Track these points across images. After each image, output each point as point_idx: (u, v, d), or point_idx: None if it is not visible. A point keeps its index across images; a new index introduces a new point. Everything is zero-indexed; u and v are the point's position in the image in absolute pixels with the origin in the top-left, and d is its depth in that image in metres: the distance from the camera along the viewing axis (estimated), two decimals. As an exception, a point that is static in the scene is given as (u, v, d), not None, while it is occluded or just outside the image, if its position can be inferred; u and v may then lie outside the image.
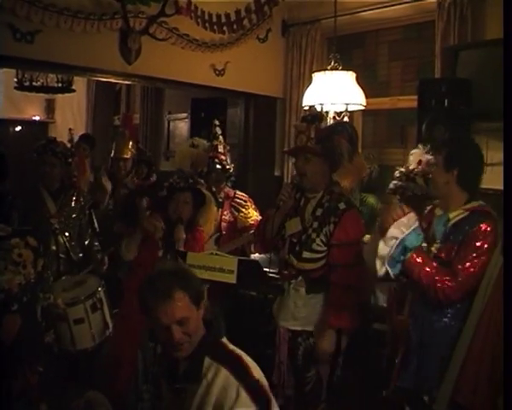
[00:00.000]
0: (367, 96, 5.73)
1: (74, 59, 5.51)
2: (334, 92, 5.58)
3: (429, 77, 5.76)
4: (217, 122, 5.89)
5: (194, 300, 2.52)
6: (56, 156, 4.98)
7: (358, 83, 5.72)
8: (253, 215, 5.67)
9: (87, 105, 10.71)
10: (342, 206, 4.09)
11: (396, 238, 3.58)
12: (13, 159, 5.75)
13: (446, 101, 4.94)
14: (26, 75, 9.24)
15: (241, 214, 5.69)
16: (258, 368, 2.54)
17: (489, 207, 3.66)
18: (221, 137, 5.83)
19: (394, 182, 4.54)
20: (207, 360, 2.50)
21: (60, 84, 9.46)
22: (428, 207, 3.94)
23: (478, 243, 3.47)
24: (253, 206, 5.80)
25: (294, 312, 4.18)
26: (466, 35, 5.45)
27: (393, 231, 3.60)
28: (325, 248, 4.11)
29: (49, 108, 11.60)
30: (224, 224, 5.68)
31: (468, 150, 3.74)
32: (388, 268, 3.59)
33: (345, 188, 4.38)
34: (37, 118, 11.51)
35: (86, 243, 5.15)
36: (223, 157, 5.73)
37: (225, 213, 5.71)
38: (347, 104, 5.61)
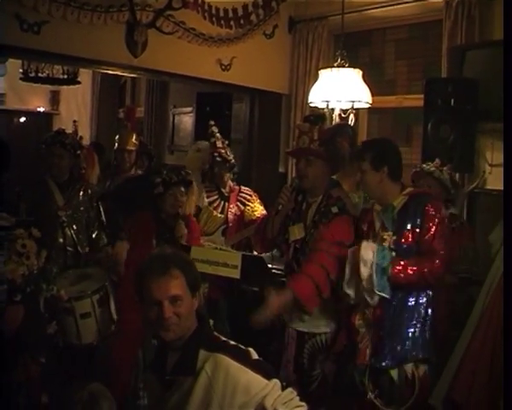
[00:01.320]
0: (373, 94, 5.72)
1: (80, 51, 5.50)
2: (341, 90, 5.57)
3: (436, 76, 5.75)
4: (212, 122, 5.90)
5: (190, 284, 2.53)
6: (65, 148, 4.96)
7: (365, 81, 5.70)
8: (259, 209, 5.78)
9: (92, 97, 10.69)
10: (335, 210, 4.09)
11: (370, 261, 3.66)
12: (17, 149, 5.74)
13: (452, 100, 4.94)
14: (31, 66, 9.22)
15: (248, 208, 5.79)
16: (255, 353, 2.52)
17: (421, 187, 4.18)
18: (218, 134, 5.84)
19: None
20: (203, 353, 2.47)
21: (65, 76, 9.44)
22: (360, 209, 4.11)
23: (435, 217, 3.71)
24: (258, 200, 5.89)
25: (300, 315, 4.16)
26: (473, 35, 5.43)
27: (365, 254, 3.67)
28: None
29: (54, 99, 11.60)
30: (230, 216, 5.76)
31: (388, 146, 3.99)
32: (380, 294, 3.65)
33: (345, 190, 4.38)
34: (41, 109, 11.51)
35: (93, 236, 5.13)
36: (222, 150, 5.75)
37: (232, 206, 5.78)
38: (353, 102, 5.60)
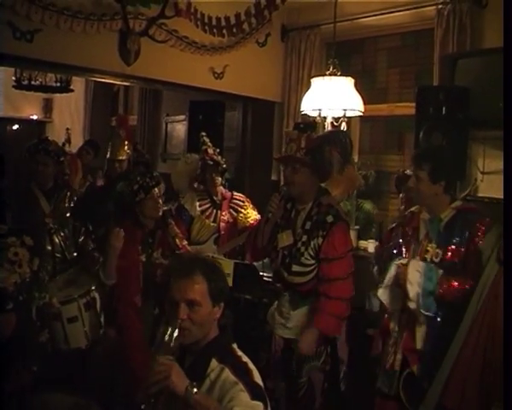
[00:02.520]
0: (365, 103, 5.74)
1: (73, 59, 5.51)
2: (333, 98, 5.59)
3: (427, 84, 5.77)
4: (203, 133, 5.90)
5: (212, 293, 2.57)
6: (49, 155, 4.97)
7: (357, 89, 5.73)
8: (253, 215, 5.77)
9: (85, 105, 10.71)
10: (330, 219, 4.11)
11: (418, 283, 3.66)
12: (9, 158, 5.73)
13: (444, 108, 4.95)
14: (24, 74, 9.26)
15: (241, 215, 5.78)
16: (259, 377, 2.54)
17: (470, 204, 4.08)
18: (208, 141, 5.84)
19: None
20: (214, 362, 2.52)
21: (58, 84, 9.48)
22: (407, 213, 4.08)
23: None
24: (251, 205, 5.88)
25: (286, 322, 4.22)
26: (465, 43, 5.45)
27: (412, 277, 3.67)
28: (313, 262, 4.14)
29: (47, 107, 11.62)
30: (222, 224, 5.74)
31: (451, 160, 3.94)
32: (426, 313, 3.67)
33: (335, 198, 4.41)
34: (34, 117, 11.53)
35: (80, 241, 5.13)
36: (213, 156, 5.74)
37: (224, 213, 5.76)
38: (345, 110, 5.62)
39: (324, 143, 4.36)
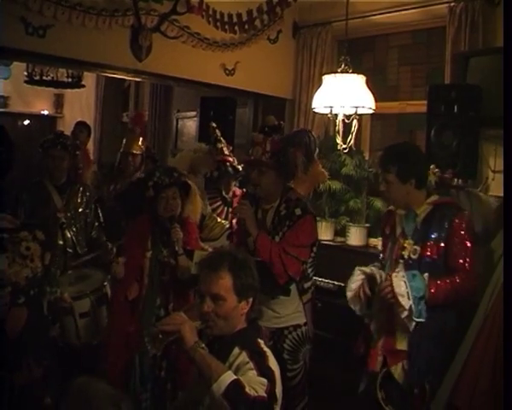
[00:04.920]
0: (376, 100, 5.73)
1: (85, 55, 5.52)
2: (344, 95, 5.58)
3: (439, 82, 5.75)
4: (214, 124, 5.91)
5: (238, 289, 2.64)
6: (66, 149, 5.01)
7: (368, 86, 5.72)
8: None
9: (96, 101, 10.71)
10: (298, 212, 4.18)
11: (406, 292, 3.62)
12: (20, 152, 5.75)
13: (456, 107, 4.93)
14: (36, 69, 9.28)
15: None
16: (276, 364, 2.62)
17: (447, 197, 4.03)
18: (222, 138, 5.85)
19: None
20: (236, 349, 2.59)
21: (70, 80, 9.50)
22: (384, 212, 4.11)
23: (463, 232, 3.66)
24: None
25: (274, 314, 4.24)
26: (477, 41, 5.44)
27: (399, 289, 3.62)
28: None
29: (58, 102, 11.64)
30: (234, 221, 5.71)
31: (416, 157, 3.90)
32: (418, 320, 3.63)
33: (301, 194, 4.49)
34: (45, 112, 11.54)
35: (93, 236, 5.15)
36: (230, 159, 5.76)
37: None
38: (356, 107, 5.61)
39: (288, 145, 4.40)
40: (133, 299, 4.32)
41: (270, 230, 4.22)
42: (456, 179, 4.95)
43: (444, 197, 3.98)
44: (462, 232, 3.66)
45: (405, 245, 3.77)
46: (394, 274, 3.66)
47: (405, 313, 3.59)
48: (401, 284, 3.60)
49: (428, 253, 3.69)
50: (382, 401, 3.78)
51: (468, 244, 3.66)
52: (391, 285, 3.62)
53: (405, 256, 3.77)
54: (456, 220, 3.68)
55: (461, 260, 3.63)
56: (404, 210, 3.88)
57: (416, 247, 3.73)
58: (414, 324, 3.63)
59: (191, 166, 5.96)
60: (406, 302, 3.58)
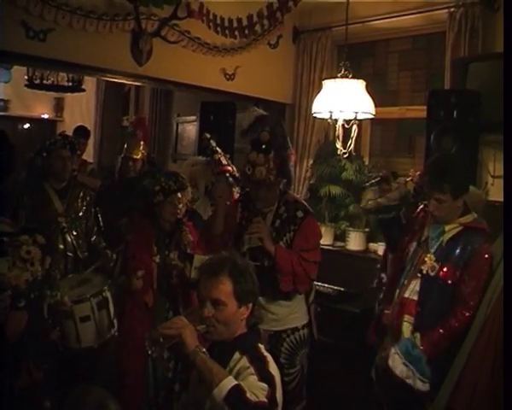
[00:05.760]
0: (376, 105, 5.73)
1: (86, 59, 5.54)
2: (344, 100, 5.58)
3: (439, 88, 5.77)
4: (208, 135, 5.89)
5: (238, 294, 2.64)
6: (74, 151, 5.07)
7: (368, 91, 5.72)
8: None
9: (96, 104, 10.74)
10: (300, 214, 4.22)
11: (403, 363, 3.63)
12: (20, 156, 5.74)
13: (455, 112, 4.96)
14: (36, 73, 9.29)
15: None
16: (276, 369, 2.62)
17: (482, 222, 3.78)
18: (218, 148, 5.84)
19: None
20: (237, 354, 2.60)
21: (70, 84, 9.51)
22: (420, 207, 4.03)
23: (484, 266, 3.58)
24: None
25: (272, 316, 4.23)
26: (476, 47, 5.46)
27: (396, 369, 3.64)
28: None
29: (58, 106, 11.66)
30: None
31: (464, 169, 3.88)
32: (423, 379, 3.62)
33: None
34: (45, 116, 11.56)
35: (92, 240, 5.16)
36: (230, 168, 5.74)
37: None
38: (356, 112, 5.62)
39: (283, 151, 4.31)
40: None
41: (272, 233, 4.21)
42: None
43: (476, 221, 3.76)
44: (484, 266, 3.58)
45: (426, 260, 3.71)
46: (390, 360, 3.66)
47: (410, 381, 3.60)
48: (395, 358, 3.63)
49: (444, 275, 3.63)
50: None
51: (484, 280, 3.58)
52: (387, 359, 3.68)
53: (424, 271, 3.72)
54: (482, 251, 3.59)
55: (470, 294, 3.56)
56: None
57: (435, 264, 3.66)
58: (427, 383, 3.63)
59: (190, 180, 5.98)
60: (403, 372, 3.60)
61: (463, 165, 3.91)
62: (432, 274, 3.67)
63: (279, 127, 4.50)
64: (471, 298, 3.57)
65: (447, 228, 3.70)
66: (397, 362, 3.63)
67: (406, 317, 3.75)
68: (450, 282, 3.63)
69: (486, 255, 3.60)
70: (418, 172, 4.49)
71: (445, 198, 3.63)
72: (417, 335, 3.63)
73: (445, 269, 3.64)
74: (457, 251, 3.63)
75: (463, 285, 3.59)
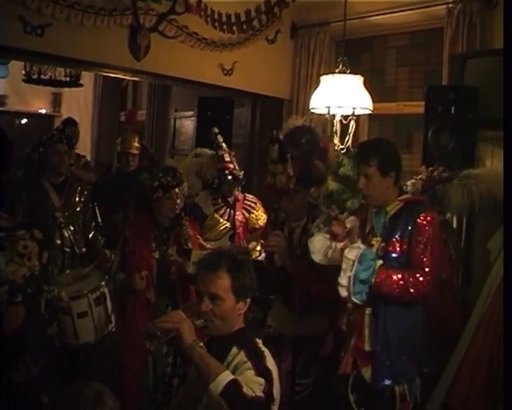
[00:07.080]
0: (374, 101, 5.73)
1: (83, 54, 5.52)
2: (342, 96, 5.58)
3: (437, 84, 5.77)
4: (216, 130, 5.91)
5: (236, 290, 2.66)
6: (70, 144, 5.08)
7: (366, 87, 5.72)
8: (262, 218, 5.90)
9: (94, 100, 10.73)
10: None
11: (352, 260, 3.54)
12: (17, 151, 5.74)
13: (453, 108, 4.95)
14: (34, 68, 9.28)
15: (252, 216, 5.92)
16: (273, 364, 2.63)
17: (418, 195, 3.89)
18: (224, 144, 5.85)
19: None
20: (234, 349, 2.62)
21: (67, 79, 9.49)
22: (357, 206, 4.01)
23: (427, 230, 3.53)
24: (262, 208, 5.97)
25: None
26: (474, 43, 5.45)
27: (349, 254, 3.56)
28: None
29: (56, 101, 11.62)
30: (237, 223, 5.84)
31: (394, 150, 3.81)
32: (354, 299, 3.54)
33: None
34: (43, 111, 11.53)
35: (90, 236, 5.16)
36: (231, 165, 5.76)
37: (237, 213, 5.87)
38: (354, 108, 5.62)
39: (306, 158, 4.15)
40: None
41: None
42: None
43: (415, 196, 3.91)
44: (426, 229, 3.54)
45: (373, 242, 3.68)
46: (347, 250, 3.57)
47: (343, 291, 3.53)
48: (354, 252, 3.53)
49: (391, 248, 3.59)
50: (354, 404, 3.71)
51: (431, 242, 3.53)
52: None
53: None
54: (421, 217, 3.55)
55: (420, 258, 3.51)
56: (376, 206, 3.77)
57: (383, 244, 3.63)
58: (351, 303, 3.57)
59: (197, 171, 6.01)
60: (347, 269, 3.52)
61: (393, 145, 3.87)
62: (381, 254, 3.61)
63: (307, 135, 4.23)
64: (423, 262, 3.49)
65: (388, 209, 3.68)
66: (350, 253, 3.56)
67: None
68: (398, 254, 3.58)
69: (429, 218, 3.56)
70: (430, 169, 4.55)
71: (371, 172, 3.64)
72: (380, 262, 3.56)
73: (392, 244, 3.60)
74: (401, 224, 3.61)
75: (412, 252, 3.53)
